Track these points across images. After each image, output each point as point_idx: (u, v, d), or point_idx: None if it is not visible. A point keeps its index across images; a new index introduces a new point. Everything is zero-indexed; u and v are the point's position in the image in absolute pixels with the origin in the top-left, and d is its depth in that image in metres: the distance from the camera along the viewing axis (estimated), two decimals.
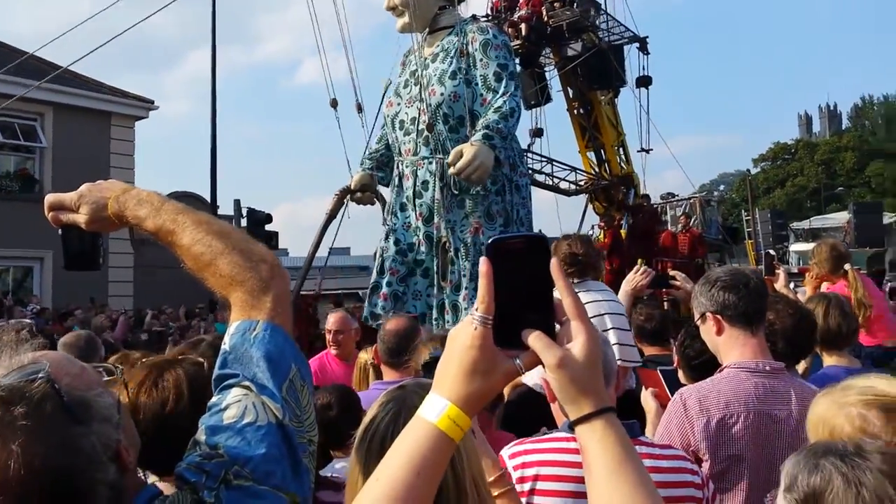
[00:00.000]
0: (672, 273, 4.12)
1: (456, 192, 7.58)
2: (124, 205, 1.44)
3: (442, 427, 0.99)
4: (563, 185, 14.08)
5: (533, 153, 13.67)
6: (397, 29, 8.34)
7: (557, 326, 1.00)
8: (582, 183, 14.36)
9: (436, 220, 7.64)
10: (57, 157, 17.49)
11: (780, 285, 4.45)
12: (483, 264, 0.98)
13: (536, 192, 13.45)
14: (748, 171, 27.90)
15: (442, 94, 7.71)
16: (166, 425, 1.65)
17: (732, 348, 2.44)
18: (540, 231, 12.72)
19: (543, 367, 0.97)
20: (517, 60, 13.41)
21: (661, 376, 3.21)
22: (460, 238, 7.52)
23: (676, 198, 15.37)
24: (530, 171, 13.06)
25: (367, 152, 8.46)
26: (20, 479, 0.96)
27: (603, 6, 13.72)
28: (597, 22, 13.46)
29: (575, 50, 12.56)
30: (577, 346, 0.97)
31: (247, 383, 1.21)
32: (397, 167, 8.04)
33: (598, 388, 0.98)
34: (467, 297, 7.32)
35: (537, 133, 14.06)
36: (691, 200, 15.20)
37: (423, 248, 7.70)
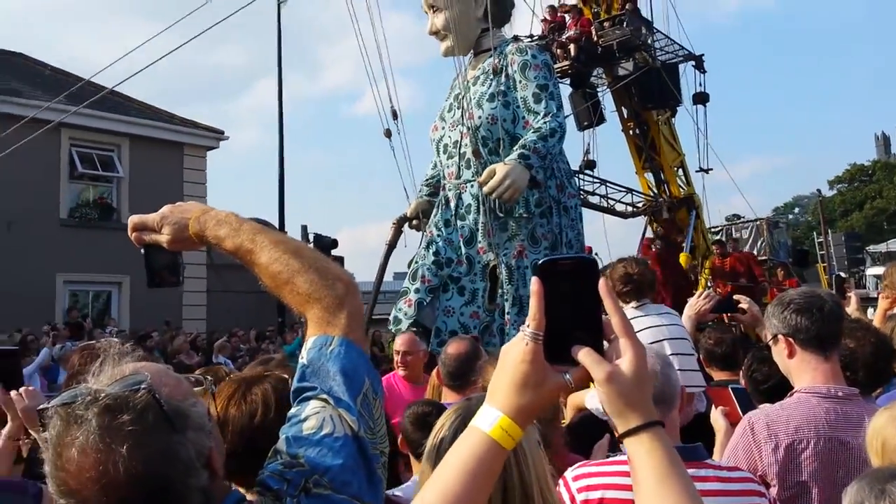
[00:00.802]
0: (736, 297, 3.95)
1: (501, 215, 7.33)
2: (205, 225, 1.50)
3: (494, 436, 1.03)
4: (619, 207, 13.53)
5: (585, 174, 13.19)
6: (441, 53, 8.20)
7: (606, 344, 1.03)
8: (640, 205, 13.80)
9: (480, 243, 7.41)
10: (133, 186, 17.84)
11: (851, 308, 4.17)
12: (534, 283, 1.01)
13: (590, 214, 12.99)
14: (819, 191, 26.40)
15: (480, 118, 7.54)
16: (254, 436, 1.69)
17: (804, 372, 2.37)
18: (595, 253, 12.36)
19: (592, 382, 1.01)
20: (567, 81, 13.14)
21: (732, 394, 3.14)
22: (505, 262, 7.27)
23: (742, 220, 14.65)
24: (582, 193, 12.67)
25: (423, 179, 8.27)
26: (125, 482, 1.02)
27: (655, 25, 13.25)
28: (649, 41, 12.98)
29: (626, 69, 12.11)
30: (624, 362, 1.00)
31: (324, 396, 1.26)
32: (443, 189, 7.85)
33: (645, 403, 1.00)
34: (509, 322, 7.05)
35: (589, 165, 13.60)
36: (758, 223, 14.45)
37: (462, 268, 7.47)
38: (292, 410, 1.29)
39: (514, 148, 7.01)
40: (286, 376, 1.92)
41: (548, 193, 7.29)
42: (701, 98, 13.43)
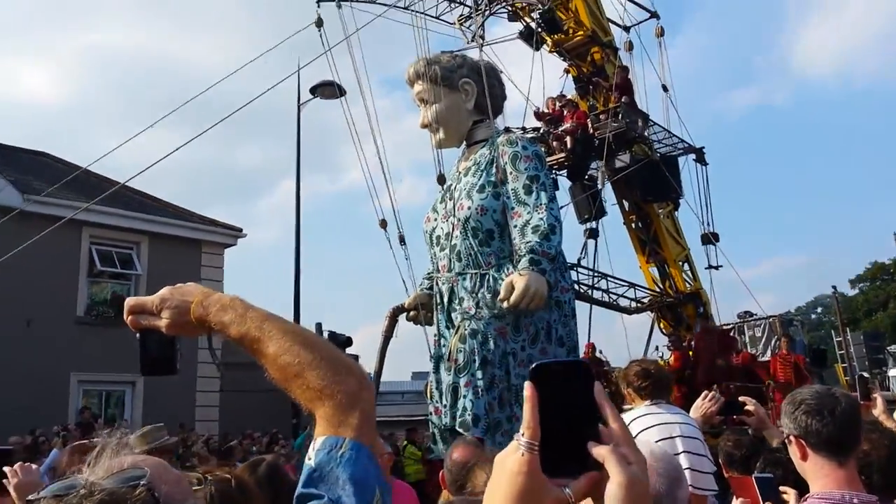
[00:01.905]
0: (742, 399, 3.76)
1: (488, 297, 6.95)
2: (208, 309, 1.40)
3: None
4: (623, 301, 13.01)
5: (585, 268, 12.75)
6: (434, 145, 7.99)
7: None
8: (645, 300, 13.28)
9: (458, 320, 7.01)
10: (151, 284, 17.69)
11: (878, 411, 3.96)
12: (527, 389, 0.94)
13: (598, 310, 12.47)
14: (834, 288, 25.35)
15: (469, 208, 7.27)
16: None
17: (817, 477, 2.23)
18: (599, 350, 11.82)
19: (593, 500, 0.93)
20: (564, 173, 12.87)
21: (755, 484, 2.96)
22: (482, 328, 6.78)
23: (754, 317, 14.01)
24: (582, 287, 12.21)
25: (425, 272, 8.02)
26: None
27: (654, 118, 13.03)
28: (646, 133, 12.74)
29: (623, 161, 11.83)
30: (636, 469, 0.92)
31: None
32: (436, 283, 7.53)
33: None
34: (470, 385, 6.55)
35: (592, 234, 13.08)
36: (770, 320, 13.78)
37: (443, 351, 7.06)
38: None
39: (520, 251, 6.68)
40: (228, 476, 1.95)
41: None
42: (712, 237, 12.97)
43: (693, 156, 12.79)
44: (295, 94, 17.01)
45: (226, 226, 19.93)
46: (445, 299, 7.32)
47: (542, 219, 6.85)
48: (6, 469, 2.43)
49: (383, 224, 7.64)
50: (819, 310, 54.59)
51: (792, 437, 2.28)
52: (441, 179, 7.46)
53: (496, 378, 6.64)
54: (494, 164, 7.38)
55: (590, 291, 12.14)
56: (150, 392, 17.00)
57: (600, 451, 0.92)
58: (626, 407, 3.85)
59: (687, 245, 13.72)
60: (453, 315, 7.17)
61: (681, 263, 13.63)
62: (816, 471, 2.23)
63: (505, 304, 6.47)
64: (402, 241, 7.55)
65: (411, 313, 7.64)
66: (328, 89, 14.41)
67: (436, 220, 7.65)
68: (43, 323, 15.84)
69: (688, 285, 13.49)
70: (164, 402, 15.73)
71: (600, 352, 11.08)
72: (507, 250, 7.11)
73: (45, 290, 15.97)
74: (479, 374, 6.57)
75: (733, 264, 12.95)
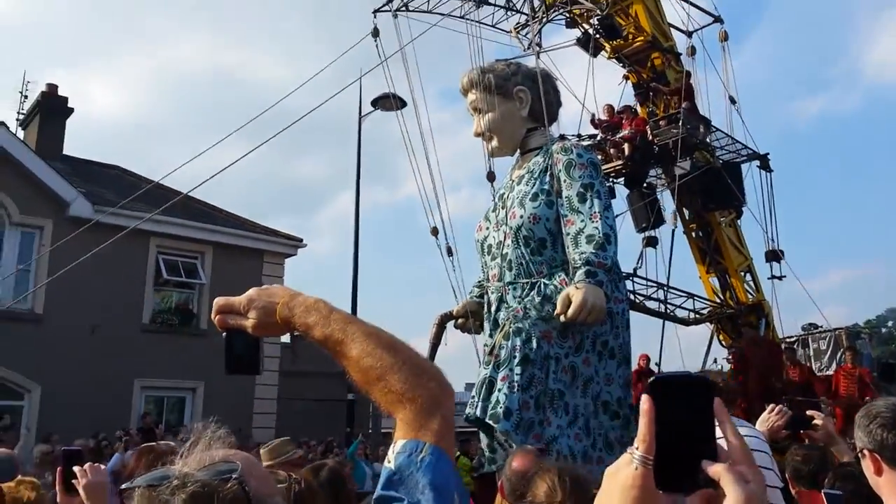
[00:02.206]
0: (810, 413, 3.62)
1: (538, 300, 6.76)
2: (293, 311, 1.41)
3: None
4: (680, 312, 12.57)
5: (641, 278, 12.39)
6: (488, 154, 7.84)
7: None
8: (704, 311, 12.83)
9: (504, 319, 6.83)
10: (214, 293, 17.74)
11: None
12: (645, 402, 0.92)
13: (649, 320, 12.08)
14: None
15: (521, 217, 7.11)
16: None
17: (893, 494, 2.11)
18: (656, 363, 11.44)
19: None
20: (622, 181, 12.52)
21: (824, 499, 2.87)
22: (527, 327, 6.56)
23: (819, 329, 13.42)
24: (638, 297, 11.83)
25: (476, 280, 7.89)
26: None
27: (716, 124, 12.59)
28: (707, 139, 12.32)
29: (684, 168, 11.42)
30: (754, 487, 0.89)
31: None
32: (486, 293, 7.39)
33: None
34: (507, 380, 6.32)
35: (650, 242, 12.67)
36: (836, 332, 13.18)
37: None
38: None
39: (575, 262, 6.48)
40: (299, 477, 2.04)
41: None
42: (773, 256, 12.42)
43: (757, 162, 12.35)
44: (357, 107, 17.18)
45: (287, 236, 20.14)
46: (494, 308, 7.18)
47: (596, 228, 6.66)
48: (76, 469, 2.44)
49: (434, 232, 7.52)
50: (890, 323, 52.51)
51: (866, 451, 2.17)
52: (490, 176, 7.32)
53: (535, 378, 6.43)
54: (548, 172, 7.21)
55: (646, 302, 11.77)
56: (209, 398, 17.25)
57: (716, 470, 0.90)
58: None
59: (749, 255, 13.23)
60: (500, 321, 7.02)
61: (742, 273, 13.16)
62: (892, 486, 2.12)
63: (562, 318, 6.31)
64: (449, 252, 7.39)
65: (459, 321, 7.50)
66: (388, 101, 14.42)
67: (488, 228, 7.52)
68: (109, 330, 16.21)
69: (749, 296, 13.02)
70: (222, 409, 15.84)
71: (656, 364, 10.74)
72: (559, 259, 6.92)
73: (112, 298, 16.39)
74: (517, 370, 6.35)
75: (798, 276, 12.47)
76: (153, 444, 3.21)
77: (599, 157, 11.24)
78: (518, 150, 7.70)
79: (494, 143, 7.61)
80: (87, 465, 2.45)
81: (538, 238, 6.94)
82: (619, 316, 6.97)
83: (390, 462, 1.21)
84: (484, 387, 6.35)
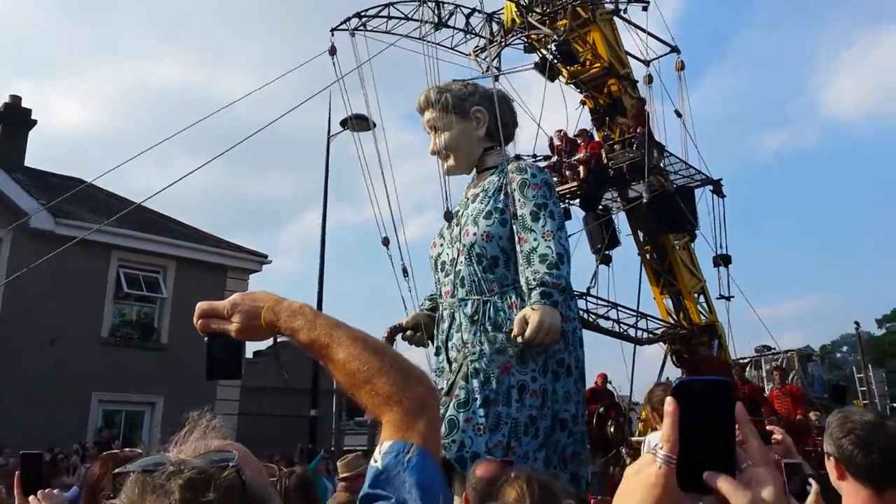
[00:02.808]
0: (770, 428, 3.63)
1: (489, 328, 6.73)
2: (278, 315, 1.40)
3: None
4: (634, 332, 12.59)
5: (593, 297, 12.39)
6: (444, 173, 7.77)
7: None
8: (658, 331, 12.86)
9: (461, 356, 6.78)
10: (175, 308, 17.75)
11: None
12: (669, 404, 0.94)
13: (606, 339, 12.08)
14: (857, 324, 24.27)
15: (475, 234, 7.04)
16: None
17: (854, 500, 2.14)
18: (609, 381, 11.44)
19: None
20: (577, 203, 12.56)
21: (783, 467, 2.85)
22: (484, 367, 6.53)
23: (772, 351, 13.53)
24: (591, 316, 11.83)
25: (428, 294, 7.80)
26: None
27: (670, 149, 12.68)
28: (662, 164, 12.34)
29: (637, 192, 11.49)
30: (763, 490, 0.91)
31: None
32: (440, 308, 7.32)
33: None
34: (470, 422, 6.25)
35: (604, 260, 12.71)
36: (788, 354, 13.29)
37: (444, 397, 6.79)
38: None
39: (530, 283, 6.38)
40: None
41: None
42: (723, 260, 12.54)
43: (710, 188, 12.44)
44: (325, 128, 17.11)
45: (251, 252, 19.92)
46: (446, 325, 7.12)
47: (549, 247, 6.63)
48: (31, 500, 2.38)
49: (385, 242, 7.39)
50: (845, 348, 53.36)
51: (833, 459, 2.19)
52: (448, 216, 7.22)
53: (501, 416, 6.41)
54: (503, 191, 7.19)
55: (598, 321, 11.77)
56: (169, 413, 16.91)
57: (712, 481, 0.92)
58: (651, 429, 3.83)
59: (703, 277, 13.32)
60: (450, 343, 6.96)
61: (696, 295, 13.24)
62: (854, 493, 2.16)
63: (519, 339, 6.28)
64: (405, 272, 7.28)
65: (408, 333, 7.43)
66: (357, 122, 14.40)
67: (442, 245, 7.46)
68: (68, 343, 15.88)
69: (703, 317, 13.08)
70: (182, 424, 15.58)
71: (610, 382, 10.75)
72: (510, 278, 6.88)
73: (71, 311, 16.08)
74: (480, 412, 6.32)
75: (750, 300, 12.59)
76: (116, 451, 3.07)
77: (555, 178, 11.26)
78: (474, 169, 7.69)
79: (451, 161, 7.57)
80: (40, 493, 2.39)
81: (490, 256, 6.89)
82: (571, 334, 6.94)
83: (377, 462, 1.21)
84: (445, 424, 6.31)
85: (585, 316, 11.32)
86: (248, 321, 1.43)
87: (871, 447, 2.11)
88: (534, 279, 6.46)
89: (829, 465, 2.23)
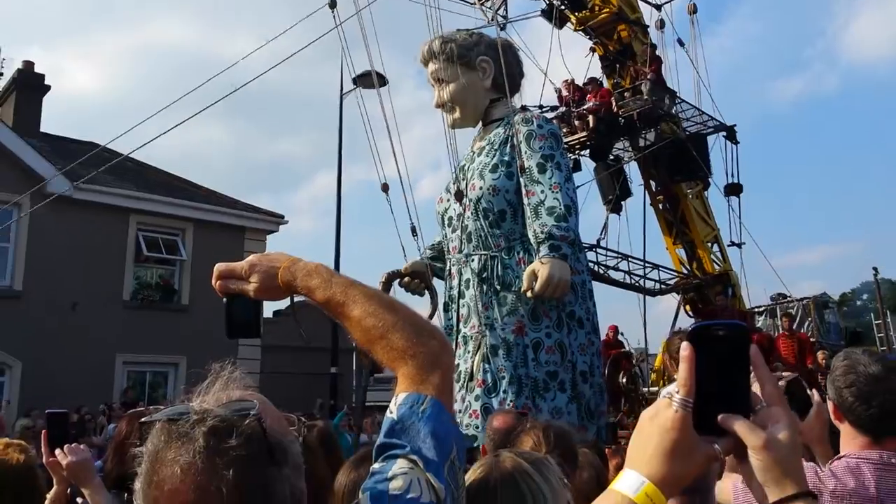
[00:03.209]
0: (778, 374, 3.40)
1: (498, 288, 6.61)
2: (295, 275, 1.42)
3: (639, 502, 0.95)
4: (646, 283, 12.26)
5: (604, 248, 12.16)
6: (448, 125, 7.57)
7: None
8: (671, 282, 12.67)
9: (472, 320, 6.69)
10: (195, 269, 17.74)
11: None
12: (685, 349, 0.95)
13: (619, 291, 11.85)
14: (875, 269, 23.21)
15: (481, 189, 6.91)
16: None
17: (850, 443, 2.15)
18: (621, 333, 11.27)
19: (737, 458, 0.95)
20: (587, 153, 12.26)
21: None
22: (501, 336, 6.50)
23: (787, 299, 13.26)
24: (601, 268, 11.63)
25: (430, 243, 7.65)
26: None
27: (683, 95, 12.25)
28: (673, 110, 11.98)
29: (648, 140, 11.16)
30: (779, 429, 0.94)
31: (413, 457, 1.17)
32: (447, 263, 7.19)
33: (800, 472, 0.94)
34: (504, 403, 6.24)
35: (616, 208, 12.38)
36: (804, 302, 13.03)
37: (459, 351, 6.70)
38: (376, 466, 1.19)
39: (538, 236, 6.34)
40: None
41: None
42: (733, 189, 12.25)
43: (724, 134, 12.07)
44: (338, 87, 16.80)
45: (268, 213, 19.79)
46: (455, 281, 7.00)
47: (557, 199, 6.49)
48: (57, 453, 2.42)
49: (385, 188, 7.22)
50: (865, 296, 52.54)
51: (833, 403, 2.19)
52: (459, 196, 7.02)
53: (522, 379, 6.35)
54: (509, 144, 7.00)
55: (609, 273, 11.54)
56: (192, 374, 16.94)
57: (727, 423, 0.93)
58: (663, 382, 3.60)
59: (716, 226, 12.99)
60: (462, 301, 6.84)
61: (709, 244, 12.92)
62: (851, 438, 2.16)
63: (529, 294, 6.13)
64: (413, 232, 7.14)
65: (405, 279, 7.29)
66: (369, 79, 14.08)
67: (448, 200, 7.32)
68: (90, 306, 15.93)
69: (717, 267, 12.78)
70: (201, 380, 15.73)
71: (622, 334, 10.58)
72: (518, 232, 6.73)
73: (92, 275, 16.08)
74: (510, 390, 6.31)
75: (765, 246, 12.28)
76: (141, 409, 3.16)
77: (564, 129, 10.98)
78: (480, 122, 7.48)
79: (457, 114, 7.37)
80: (66, 448, 2.42)
81: (497, 210, 6.75)
82: (581, 286, 6.82)
83: (392, 413, 1.22)
84: (480, 415, 6.31)
85: (595, 268, 11.12)
86: (265, 281, 1.45)
87: (870, 401, 2.08)
88: (542, 232, 6.31)
89: (829, 405, 2.23)
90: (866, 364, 2.17)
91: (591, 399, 6.59)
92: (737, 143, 12.02)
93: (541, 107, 11.32)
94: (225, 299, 1.52)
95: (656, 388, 9.28)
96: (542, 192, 6.64)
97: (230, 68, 8.93)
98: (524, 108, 8.12)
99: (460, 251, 7.08)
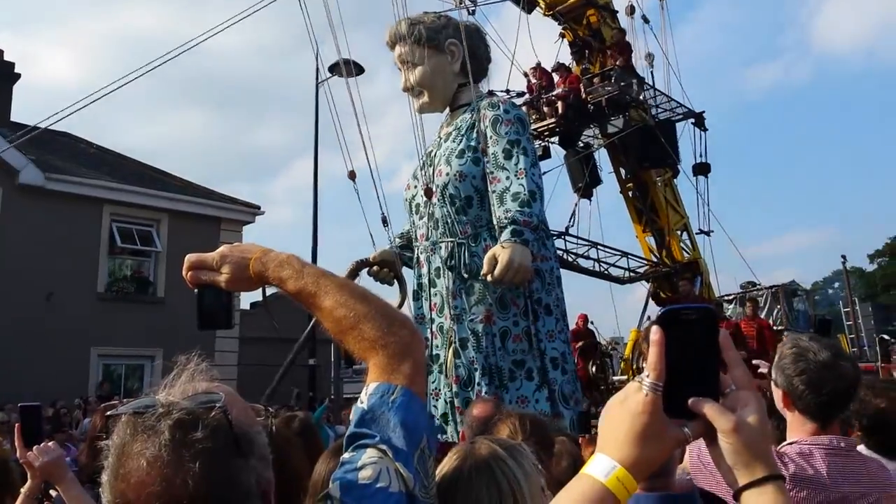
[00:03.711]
0: (756, 362, 3.67)
1: (465, 277, 6.47)
2: (266, 265, 1.42)
3: (610, 486, 0.95)
4: (615, 271, 12.21)
5: (573, 236, 11.98)
6: (415, 110, 7.37)
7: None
8: (641, 270, 12.51)
9: (446, 309, 6.54)
10: (170, 260, 17.52)
11: None
12: (655, 333, 0.95)
13: (587, 280, 11.70)
14: (844, 258, 23.20)
15: (447, 175, 6.75)
16: None
17: (799, 430, 2.16)
18: (591, 321, 11.16)
19: (707, 441, 0.96)
20: (556, 140, 12.10)
21: None
22: (469, 328, 6.36)
23: (756, 287, 13.18)
24: (571, 256, 11.50)
25: (399, 232, 7.44)
26: (186, 501, 0.95)
27: (653, 83, 12.08)
28: (642, 97, 11.81)
29: (616, 126, 11.02)
30: (748, 412, 0.94)
31: (383, 447, 1.18)
32: (415, 251, 6.98)
33: (769, 455, 0.95)
34: (480, 395, 6.12)
35: (585, 194, 12.15)
36: (773, 290, 12.96)
37: (437, 341, 6.56)
38: (346, 455, 1.19)
39: (500, 222, 6.18)
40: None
41: None
42: (702, 169, 12.15)
43: (692, 121, 11.94)
44: (314, 76, 16.53)
45: (244, 203, 19.57)
46: (424, 269, 6.85)
47: (521, 185, 6.35)
48: (29, 455, 2.42)
49: (352, 176, 7.01)
50: (836, 284, 52.88)
51: (782, 390, 2.18)
52: (428, 193, 6.85)
53: (492, 368, 6.24)
54: (475, 129, 6.85)
55: (578, 261, 11.39)
56: (167, 366, 16.69)
57: (697, 406, 0.93)
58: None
59: (686, 213, 12.88)
60: (432, 290, 6.69)
61: (679, 233, 12.80)
62: (800, 425, 2.16)
63: (489, 278, 5.98)
64: (384, 222, 6.94)
65: (374, 268, 7.11)
66: (346, 67, 13.82)
67: (416, 187, 7.15)
68: (64, 298, 15.67)
69: (686, 255, 12.66)
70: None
71: (591, 322, 10.45)
72: (484, 218, 6.60)
73: (66, 266, 15.81)
74: (483, 381, 6.16)
75: (735, 235, 12.19)
76: (115, 402, 3.15)
77: (534, 116, 10.81)
78: (448, 107, 7.31)
79: (425, 98, 7.17)
80: (35, 449, 2.43)
81: (464, 196, 6.61)
82: (548, 273, 6.69)
83: (363, 403, 1.23)
84: (458, 410, 6.21)
85: (565, 256, 10.98)
86: (236, 272, 1.45)
87: (821, 389, 2.09)
88: (505, 218, 6.18)
89: (777, 393, 2.20)
90: (816, 351, 2.15)
91: (564, 385, 6.48)
92: (705, 129, 11.95)
93: (507, 91, 11.14)
94: (196, 290, 1.52)
95: (626, 378, 9.18)
96: (508, 178, 6.51)
97: (187, 50, 8.69)
98: (491, 93, 7.94)
99: (427, 238, 6.93)
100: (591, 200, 12.18)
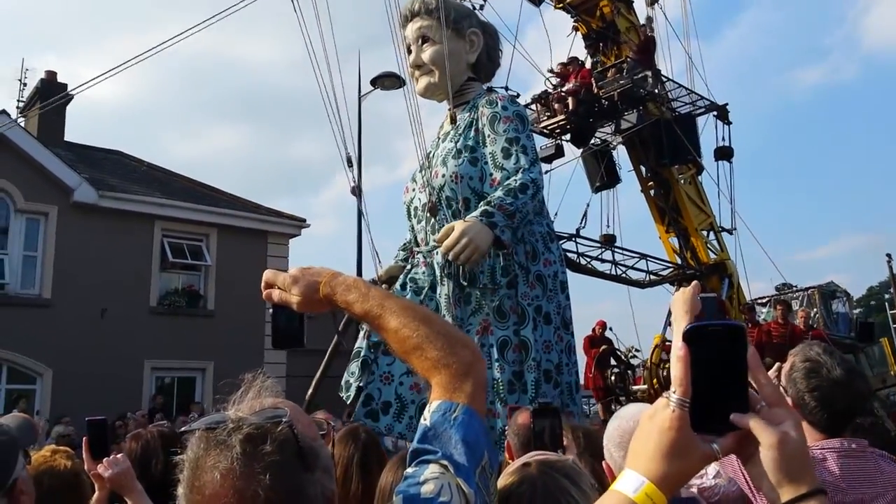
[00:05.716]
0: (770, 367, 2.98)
1: (464, 284, 5.94)
2: (335, 289, 1.46)
3: (639, 502, 0.93)
4: (635, 274, 11.23)
5: (585, 238, 11.04)
6: (418, 91, 6.83)
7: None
8: (664, 273, 11.48)
9: (447, 317, 6.01)
10: (220, 274, 17.48)
11: None
12: (681, 349, 0.91)
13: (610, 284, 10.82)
14: (889, 257, 20.59)
15: (444, 176, 6.28)
16: None
17: (808, 438, 1.86)
18: (609, 328, 10.36)
19: (742, 459, 0.92)
20: (567, 137, 11.31)
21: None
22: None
23: (792, 289, 12.09)
24: (585, 259, 10.68)
25: (401, 244, 6.97)
26: None
27: (668, 73, 11.10)
28: (656, 90, 10.85)
29: (629, 122, 10.21)
30: (789, 427, 0.90)
31: (445, 462, 1.18)
32: (412, 255, 6.52)
33: (811, 469, 0.91)
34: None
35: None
36: (809, 291, 11.87)
37: None
38: (409, 470, 1.19)
39: (479, 205, 5.67)
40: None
41: (513, 260, 5.88)
42: (723, 153, 11.14)
43: (714, 113, 11.01)
44: (356, 88, 16.28)
45: (290, 217, 19.36)
46: (421, 271, 6.37)
47: (515, 179, 5.79)
48: (99, 468, 2.42)
49: (354, 192, 6.58)
50: (892, 290, 49.85)
51: (790, 399, 2.06)
52: (433, 210, 6.41)
53: (490, 382, 5.69)
54: (473, 127, 6.33)
55: (592, 263, 10.53)
56: (220, 377, 16.61)
57: (741, 421, 0.90)
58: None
59: (711, 212, 11.83)
60: (440, 289, 6.21)
61: (705, 233, 11.80)
62: (807, 433, 1.83)
63: (440, 250, 5.59)
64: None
65: (383, 286, 6.66)
66: (388, 80, 13.52)
67: (414, 190, 6.67)
68: (118, 313, 15.72)
69: (713, 256, 11.66)
70: (232, 388, 15.39)
71: (610, 329, 9.63)
72: None
73: (119, 282, 15.85)
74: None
75: (751, 229, 11.24)
76: (140, 431, 3.18)
77: (546, 113, 10.16)
78: (448, 101, 6.78)
79: (433, 78, 6.57)
80: (105, 461, 2.43)
81: (462, 198, 6.11)
82: (550, 279, 6.12)
83: (426, 420, 1.24)
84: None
85: (578, 259, 10.21)
86: (308, 294, 1.47)
87: (833, 406, 2.05)
88: (485, 201, 5.68)
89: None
90: (830, 367, 2.06)
91: (556, 399, 5.89)
92: (729, 123, 11.03)
93: (506, 88, 10.49)
94: (271, 310, 1.58)
95: (646, 387, 8.42)
96: (507, 177, 5.98)
97: (179, 41, 8.33)
98: (490, 90, 7.42)
99: (427, 243, 6.43)
100: (609, 193, 11.32)
